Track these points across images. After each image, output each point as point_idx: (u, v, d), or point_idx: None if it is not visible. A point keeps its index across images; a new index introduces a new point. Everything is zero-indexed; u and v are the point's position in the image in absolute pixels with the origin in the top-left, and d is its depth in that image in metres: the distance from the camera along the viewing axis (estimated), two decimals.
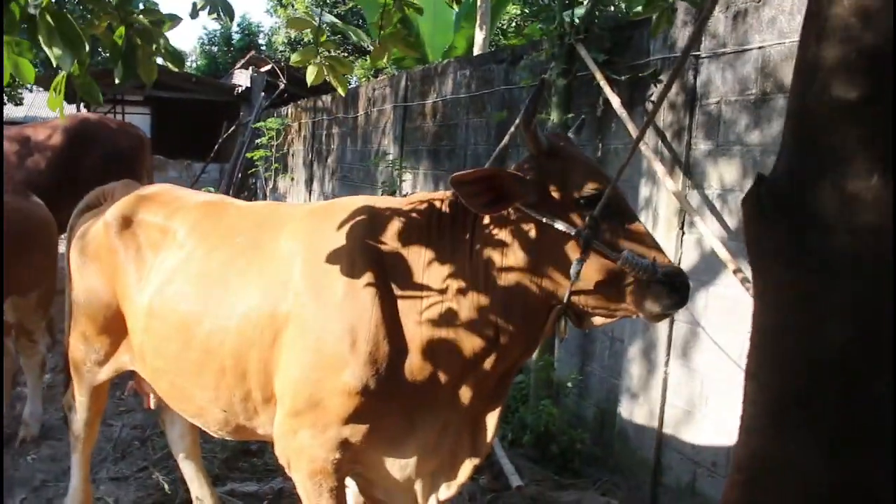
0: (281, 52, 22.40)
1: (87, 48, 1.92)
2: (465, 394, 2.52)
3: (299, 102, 10.55)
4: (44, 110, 22.58)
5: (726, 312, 3.65)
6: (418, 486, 2.69)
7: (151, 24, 2.09)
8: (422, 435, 2.59)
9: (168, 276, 2.95)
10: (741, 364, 3.54)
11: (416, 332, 2.46)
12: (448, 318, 2.44)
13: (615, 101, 3.80)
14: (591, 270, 2.26)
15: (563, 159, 2.36)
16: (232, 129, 12.89)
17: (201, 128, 15.65)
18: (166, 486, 3.98)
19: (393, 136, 7.47)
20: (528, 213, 2.31)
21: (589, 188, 2.29)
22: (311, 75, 2.58)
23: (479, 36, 9.07)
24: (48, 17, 1.84)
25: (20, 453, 4.54)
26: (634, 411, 4.24)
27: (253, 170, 11.44)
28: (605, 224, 2.25)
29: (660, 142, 3.95)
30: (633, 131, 3.73)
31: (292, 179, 10.85)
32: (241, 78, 15.28)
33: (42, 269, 4.67)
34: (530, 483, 4.12)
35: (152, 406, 3.59)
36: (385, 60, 2.61)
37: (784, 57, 3.41)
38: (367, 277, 2.49)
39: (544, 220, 2.27)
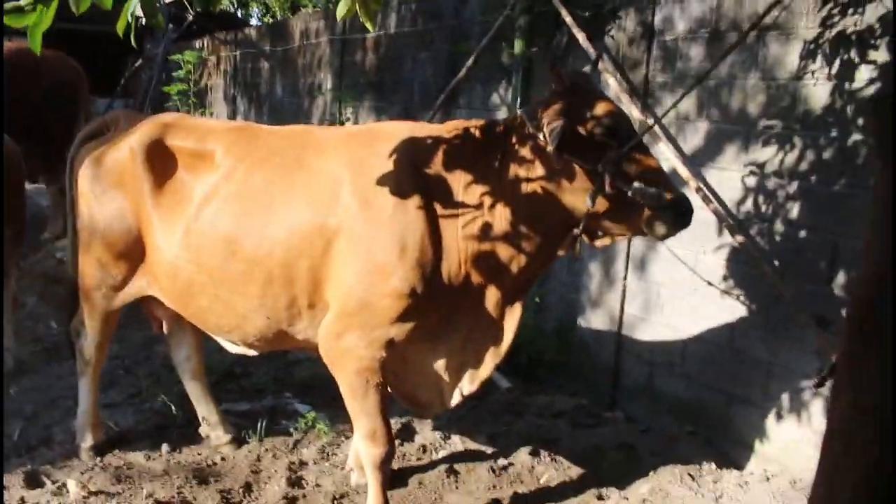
0: None
1: None
2: (492, 296, 2.91)
3: (217, 35, 10.32)
4: None
5: None
6: (445, 379, 3.07)
7: None
8: (454, 333, 2.99)
9: (208, 195, 3.15)
10: (697, 272, 4.02)
11: (456, 242, 2.82)
12: (482, 231, 2.82)
13: (581, 37, 4.11)
14: (606, 199, 2.65)
15: (583, 96, 2.72)
16: (139, 62, 12.43)
17: (103, 62, 14.91)
18: (173, 408, 4.14)
19: (331, 70, 7.54)
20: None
21: (604, 123, 2.65)
22: (342, 8, 2.74)
23: None
24: None
25: None
26: (593, 321, 4.70)
27: (168, 104, 11.15)
28: (618, 158, 2.62)
29: (618, 74, 4.31)
30: (599, 64, 4.05)
31: (211, 114, 10.66)
32: None
33: (14, 205, 4.64)
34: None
35: (165, 331, 3.76)
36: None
37: None
38: (413, 194, 2.81)
39: (564, 155, 2.61)
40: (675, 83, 4.11)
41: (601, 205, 2.68)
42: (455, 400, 3.12)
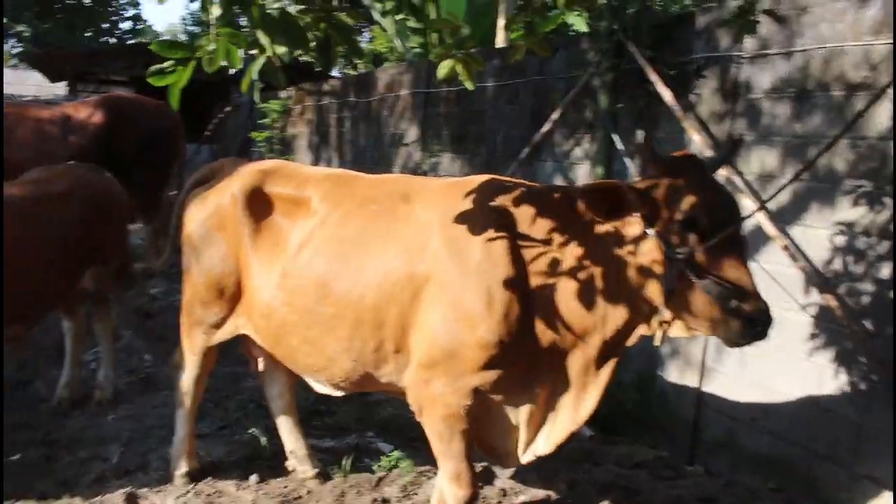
0: None
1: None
2: (576, 359, 2.95)
3: (303, 85, 10.78)
4: (13, 87, 22.11)
5: (766, 283, 4.12)
6: (521, 434, 3.10)
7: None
8: (538, 389, 3.02)
9: (304, 239, 3.31)
10: (783, 330, 4.02)
11: (544, 298, 2.89)
12: (571, 292, 2.87)
13: (667, 95, 4.23)
14: (680, 288, 2.63)
15: (682, 183, 2.66)
16: (228, 109, 13.05)
17: (189, 108, 15.68)
18: (262, 440, 4.31)
19: (415, 121, 7.81)
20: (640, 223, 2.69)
21: (689, 213, 2.58)
22: (443, 69, 2.91)
23: (501, 23, 9.52)
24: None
25: (97, 414, 4.84)
26: (674, 373, 4.71)
27: (253, 150, 11.65)
28: (701, 248, 2.56)
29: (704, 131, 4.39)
30: (683, 122, 4.16)
31: (290, 161, 11.09)
32: None
33: (119, 240, 4.95)
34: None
35: (260, 368, 3.94)
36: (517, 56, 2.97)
37: (824, 59, 3.87)
38: (502, 247, 2.90)
39: (647, 232, 2.66)
40: (760, 140, 4.17)
41: (676, 293, 2.64)
42: (528, 458, 3.12)
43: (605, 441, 4.63)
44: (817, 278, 3.72)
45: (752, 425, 4.23)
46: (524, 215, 2.97)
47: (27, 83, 20.84)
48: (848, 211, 3.75)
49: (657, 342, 2.83)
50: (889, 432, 3.54)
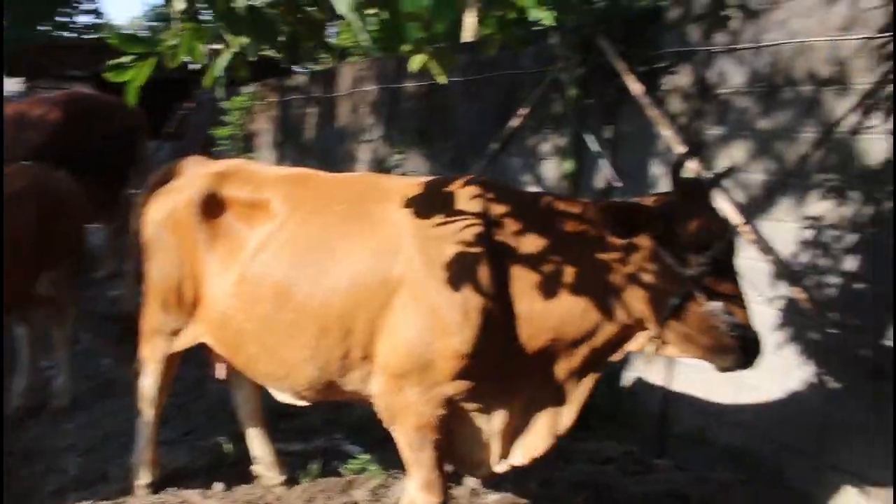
0: None
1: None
2: (556, 371, 2.89)
3: (266, 81, 10.61)
4: None
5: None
6: (495, 444, 3.02)
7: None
8: (515, 399, 2.95)
9: (262, 244, 3.18)
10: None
11: (527, 308, 2.80)
12: (556, 303, 2.78)
13: (638, 90, 4.19)
14: (684, 309, 2.63)
15: (696, 207, 2.69)
16: (191, 106, 12.81)
17: (150, 105, 15.39)
18: (226, 447, 4.20)
19: (381, 117, 7.71)
20: (652, 245, 2.66)
21: (705, 238, 2.62)
22: (415, 63, 2.84)
23: (469, 21, 9.42)
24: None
25: (54, 422, 4.69)
26: (642, 369, 4.69)
27: (215, 148, 11.46)
28: (708, 274, 2.59)
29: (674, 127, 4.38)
30: (653, 116, 4.13)
31: (254, 158, 10.93)
32: None
33: (76, 242, 4.80)
34: None
35: (223, 376, 3.82)
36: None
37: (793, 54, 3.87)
38: (482, 254, 2.80)
39: (660, 251, 2.64)
40: (729, 136, 4.16)
41: (677, 314, 2.65)
42: (501, 468, 3.06)
43: (575, 438, 4.58)
44: (786, 272, 3.72)
45: (720, 419, 4.23)
46: (506, 221, 2.87)
47: None
48: (816, 205, 3.75)
49: (647, 359, 2.80)
50: (852, 422, 3.56)
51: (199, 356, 4.15)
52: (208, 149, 12.62)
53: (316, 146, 9.30)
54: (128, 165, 7.15)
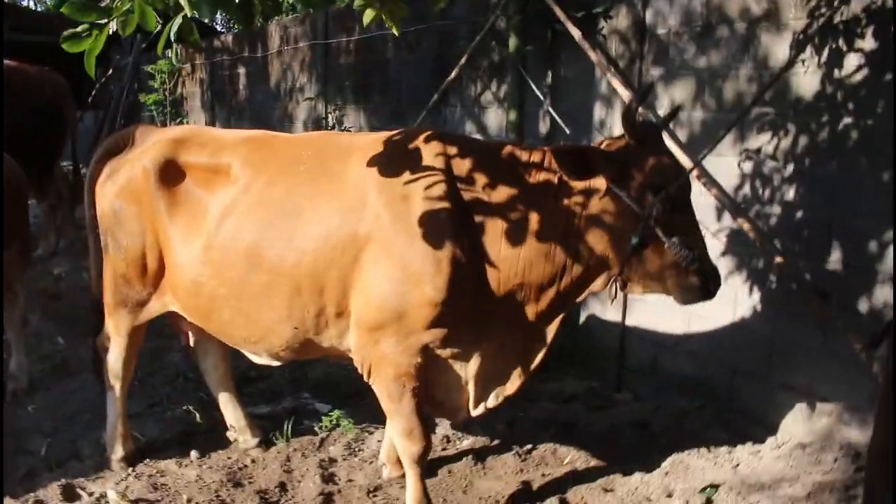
0: None
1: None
2: (525, 315, 3.00)
3: (189, 42, 10.30)
4: None
5: None
6: (471, 389, 3.15)
7: None
8: (487, 344, 3.06)
9: (226, 209, 3.18)
10: None
11: (494, 254, 2.90)
12: (522, 248, 2.89)
13: (577, 34, 4.26)
14: (644, 248, 2.76)
15: (649, 148, 2.81)
16: (110, 72, 12.36)
17: (67, 74, 14.77)
18: (198, 416, 4.22)
19: (315, 74, 7.62)
20: (609, 186, 2.76)
21: (661, 178, 2.75)
22: (367, 17, 2.85)
23: None
24: None
25: (15, 405, 4.61)
26: (597, 305, 4.87)
27: (143, 114, 11.13)
28: (665, 212, 2.72)
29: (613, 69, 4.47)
30: (595, 60, 4.21)
31: (187, 123, 10.68)
32: None
33: (18, 223, 4.66)
34: None
35: (191, 343, 3.83)
36: None
37: None
38: (448, 204, 2.86)
39: (619, 193, 2.74)
40: (669, 76, 4.28)
41: (639, 252, 2.77)
42: (479, 411, 3.19)
43: (537, 378, 4.75)
44: (730, 204, 3.89)
45: (674, 349, 4.44)
46: (468, 171, 2.93)
47: None
48: (755, 139, 3.91)
49: (611, 298, 2.93)
50: (798, 344, 3.79)
51: (154, 328, 4.14)
52: (133, 116, 12.25)
53: (249, 107, 9.15)
54: (59, 138, 6.91)
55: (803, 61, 3.64)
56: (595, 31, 4.60)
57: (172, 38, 2.47)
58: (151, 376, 4.94)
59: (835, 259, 3.66)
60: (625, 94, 4.13)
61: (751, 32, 3.87)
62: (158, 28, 2.53)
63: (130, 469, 3.80)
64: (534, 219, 2.87)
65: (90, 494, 3.59)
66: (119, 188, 3.48)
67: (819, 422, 3.70)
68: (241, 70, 9.18)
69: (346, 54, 7.18)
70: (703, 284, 2.81)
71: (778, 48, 3.77)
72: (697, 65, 4.14)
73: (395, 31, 2.87)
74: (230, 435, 4.01)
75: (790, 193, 3.82)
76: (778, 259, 3.59)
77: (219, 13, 2.73)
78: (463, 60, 5.23)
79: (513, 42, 4.90)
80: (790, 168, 3.79)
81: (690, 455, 3.68)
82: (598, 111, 4.68)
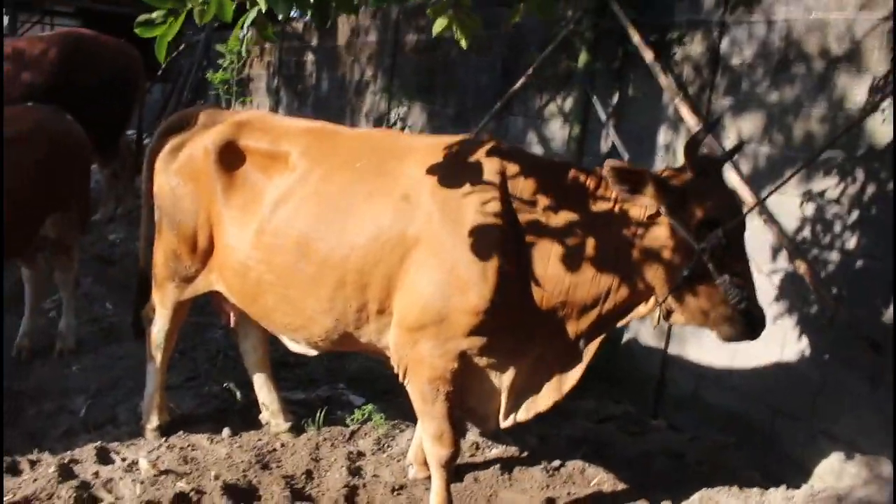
0: None
1: None
2: (566, 332, 3.00)
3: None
4: None
5: None
6: (503, 399, 3.15)
7: None
8: (525, 357, 3.06)
9: (282, 196, 3.23)
10: None
11: (542, 269, 2.90)
12: (570, 267, 2.88)
13: (648, 56, 4.23)
14: (693, 280, 2.75)
15: (710, 182, 2.80)
16: (182, 47, 12.61)
17: (137, 45, 15.11)
18: (235, 394, 4.29)
19: (382, 69, 7.67)
20: (665, 216, 2.74)
21: (719, 213, 2.73)
22: (438, 27, 2.87)
23: None
24: None
25: (60, 365, 4.74)
26: (641, 330, 4.82)
27: (210, 92, 11.33)
28: (718, 248, 2.69)
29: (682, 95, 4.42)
30: (664, 84, 4.17)
31: (251, 104, 10.83)
32: None
33: (80, 185, 4.79)
34: None
35: (232, 324, 3.89)
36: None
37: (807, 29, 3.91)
38: (500, 213, 2.88)
39: (675, 224, 2.73)
40: (738, 108, 4.22)
41: (687, 284, 2.76)
42: (508, 422, 3.19)
43: (573, 396, 4.72)
44: (789, 245, 3.81)
45: (716, 382, 4.37)
46: (523, 188, 2.94)
47: None
48: (821, 181, 3.83)
49: (654, 325, 2.92)
50: (845, 391, 3.70)
51: (198, 304, 4.22)
52: (200, 92, 12.48)
53: (314, 95, 9.24)
54: (127, 108, 7.08)
55: (883, 109, 3.54)
56: (668, 55, 4.54)
57: (245, 32, 2.50)
58: (193, 350, 5.03)
59: (891, 311, 3.57)
60: (691, 121, 4.09)
61: (829, 72, 3.78)
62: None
63: (164, 439, 3.88)
64: (585, 244, 2.87)
65: (123, 460, 3.68)
66: (179, 165, 3.56)
67: (858, 474, 3.60)
68: (309, 57, 9.28)
69: (415, 53, 7.21)
70: (747, 324, 2.78)
71: (856, 91, 3.68)
72: (769, 99, 4.07)
73: (463, 44, 2.88)
74: (262, 417, 4.07)
75: (851, 241, 3.73)
76: (832, 304, 3.52)
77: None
78: (530, 70, 5.22)
79: (582, 57, 4.88)
80: (854, 214, 3.70)
81: (721, 492, 3.61)
82: (664, 135, 4.63)
